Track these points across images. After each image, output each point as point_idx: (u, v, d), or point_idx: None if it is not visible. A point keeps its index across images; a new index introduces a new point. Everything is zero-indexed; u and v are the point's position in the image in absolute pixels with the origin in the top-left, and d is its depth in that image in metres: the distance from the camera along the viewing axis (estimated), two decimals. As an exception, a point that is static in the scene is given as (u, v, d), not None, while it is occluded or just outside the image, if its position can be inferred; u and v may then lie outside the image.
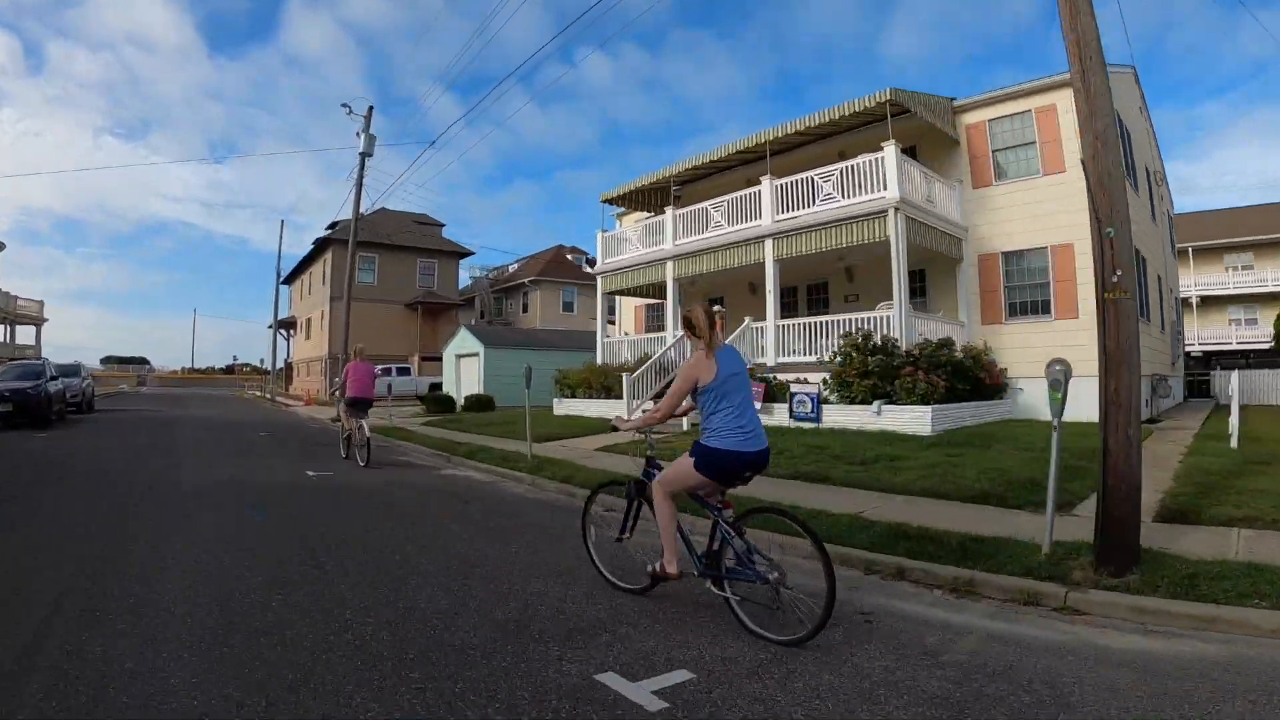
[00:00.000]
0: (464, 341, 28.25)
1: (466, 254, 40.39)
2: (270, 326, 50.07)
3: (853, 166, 13.48)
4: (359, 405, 10.76)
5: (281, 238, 38.91)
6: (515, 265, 48.55)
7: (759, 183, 15.03)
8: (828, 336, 13.37)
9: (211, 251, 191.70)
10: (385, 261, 37.55)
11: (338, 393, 11.59)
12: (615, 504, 5.07)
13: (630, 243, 18.86)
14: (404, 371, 31.17)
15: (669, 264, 17.15)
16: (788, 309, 18.21)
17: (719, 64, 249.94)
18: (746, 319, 14.93)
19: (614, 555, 4.70)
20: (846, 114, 13.85)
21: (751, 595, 3.78)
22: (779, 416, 12.34)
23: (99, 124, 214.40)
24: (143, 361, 75.23)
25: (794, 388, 12.44)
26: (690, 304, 4.23)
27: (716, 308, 14.79)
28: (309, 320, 41.94)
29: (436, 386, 31.50)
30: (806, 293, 18.64)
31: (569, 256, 45.33)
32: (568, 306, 42.81)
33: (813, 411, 11.91)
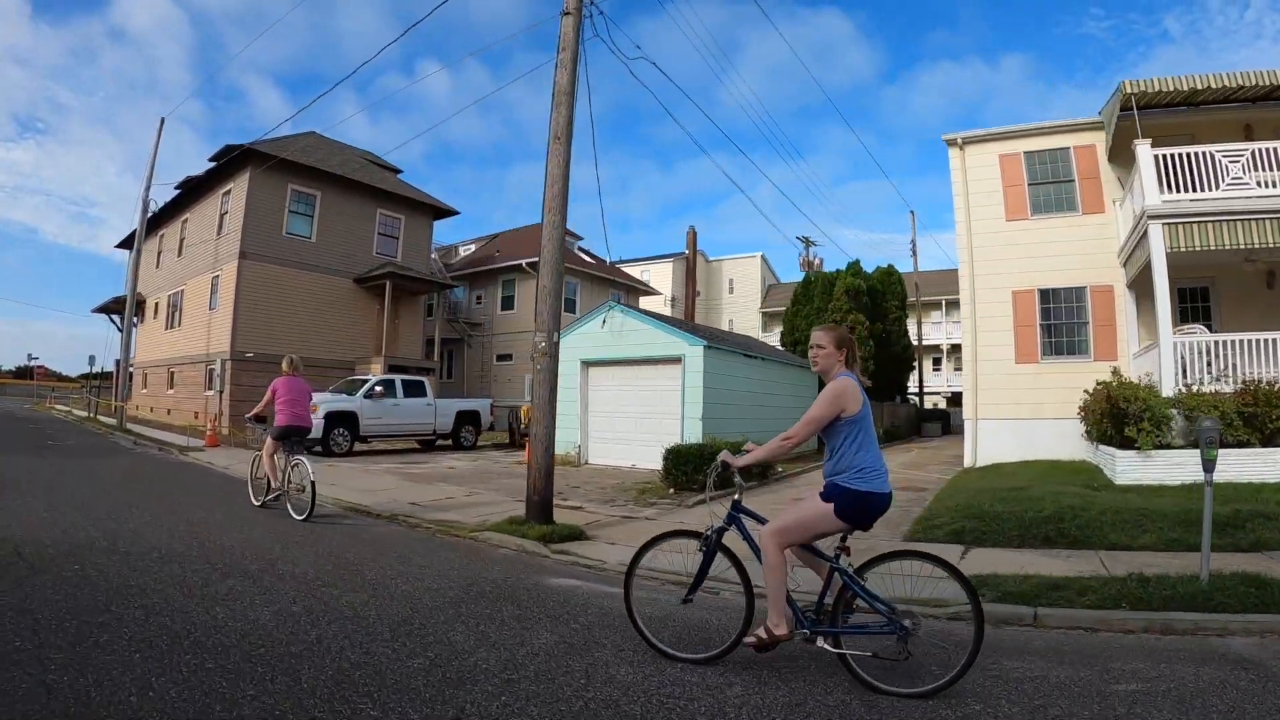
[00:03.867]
0: (622, 333, 15.30)
1: (448, 213, 27.40)
2: (105, 313, 33.35)
3: None
4: (294, 437, 8.25)
5: (159, 142, 23.45)
6: (475, 245, 35.77)
7: None
8: None
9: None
10: (330, 208, 23.95)
11: (253, 419, 9.17)
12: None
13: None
14: (414, 390, 17.81)
15: None
16: None
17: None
18: None
19: (671, 621, 4.22)
20: None
21: (869, 649, 3.43)
22: None
23: None
24: None
25: None
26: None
27: None
28: (176, 298, 26.88)
29: (469, 417, 18.84)
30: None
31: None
32: (569, 305, 30.96)
33: None
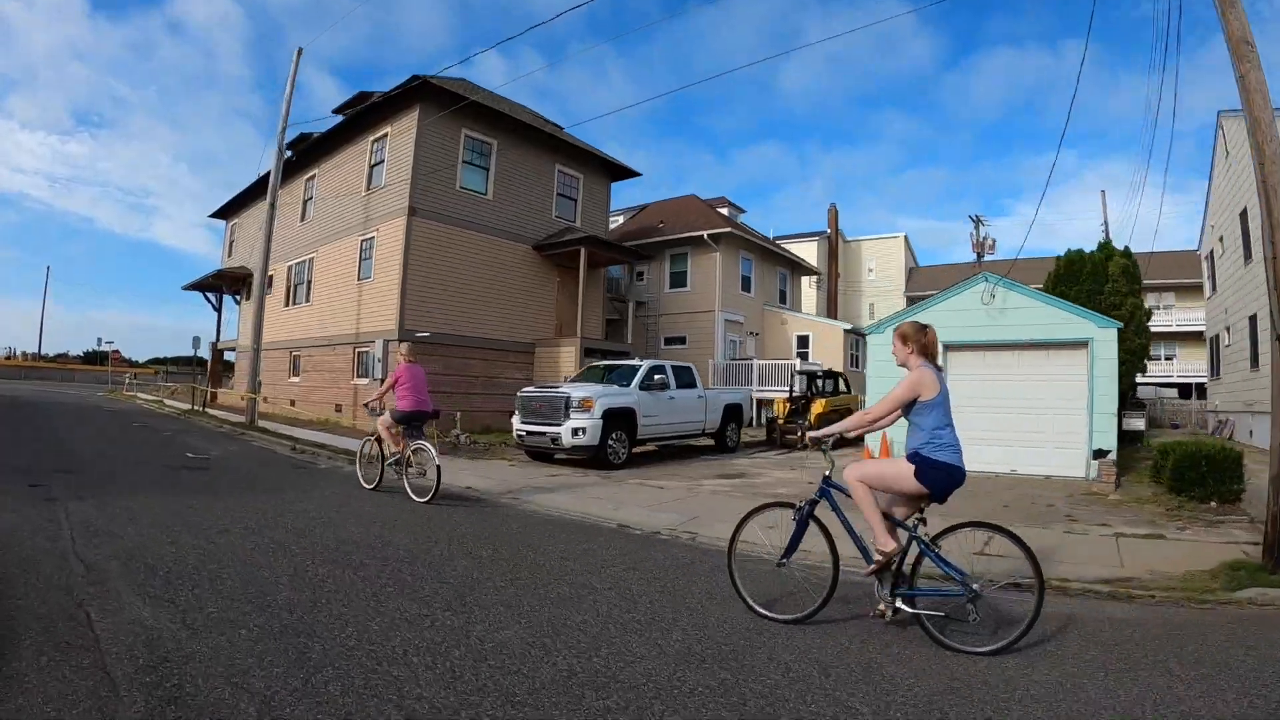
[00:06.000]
0: (1004, 310, 11.69)
1: (628, 174, 22.78)
2: (200, 290, 29.18)
3: None
4: (416, 421, 8.49)
5: (294, 76, 18.81)
6: (622, 217, 31.10)
7: None
8: None
9: (54, 231, 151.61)
10: (506, 160, 19.41)
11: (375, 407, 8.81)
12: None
13: None
14: (684, 379, 13.17)
15: None
16: None
17: (615, 78, 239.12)
18: None
19: (769, 584, 4.31)
20: None
21: (942, 609, 3.74)
22: None
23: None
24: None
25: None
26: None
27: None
28: (300, 269, 22.63)
29: (733, 412, 14.23)
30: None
31: (723, 211, 28.69)
32: (745, 283, 26.31)
33: None
